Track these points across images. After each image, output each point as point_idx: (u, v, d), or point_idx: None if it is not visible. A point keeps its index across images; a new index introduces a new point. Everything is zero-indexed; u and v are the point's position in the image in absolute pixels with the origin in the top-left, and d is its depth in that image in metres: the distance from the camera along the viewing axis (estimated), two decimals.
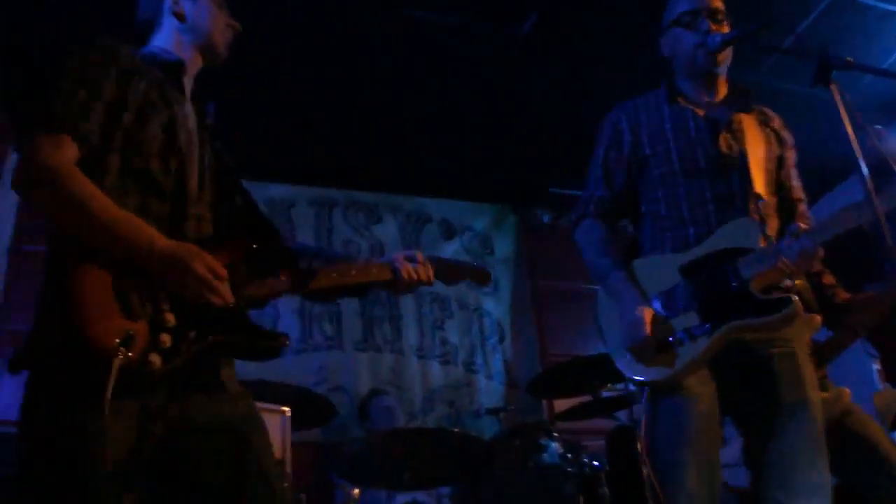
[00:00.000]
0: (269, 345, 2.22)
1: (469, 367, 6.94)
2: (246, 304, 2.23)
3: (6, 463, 3.77)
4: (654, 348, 2.63)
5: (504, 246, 7.66)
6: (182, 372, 2.01)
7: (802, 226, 2.66)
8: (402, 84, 5.84)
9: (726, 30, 2.89)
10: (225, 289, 2.11)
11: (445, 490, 4.83)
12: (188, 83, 2.48)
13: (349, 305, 6.67)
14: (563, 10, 5.16)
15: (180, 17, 2.48)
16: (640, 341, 2.64)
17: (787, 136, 3.01)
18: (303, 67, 5.57)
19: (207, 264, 2.07)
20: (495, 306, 7.34)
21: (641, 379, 2.68)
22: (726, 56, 2.90)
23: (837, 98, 2.33)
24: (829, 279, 3.20)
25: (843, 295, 3.18)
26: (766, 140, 2.90)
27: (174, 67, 2.42)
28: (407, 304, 6.91)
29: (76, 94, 2.10)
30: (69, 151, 2.04)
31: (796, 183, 2.99)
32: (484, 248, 7.51)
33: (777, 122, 3.02)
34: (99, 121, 2.11)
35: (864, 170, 2.24)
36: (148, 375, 1.93)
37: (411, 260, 2.61)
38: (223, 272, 2.11)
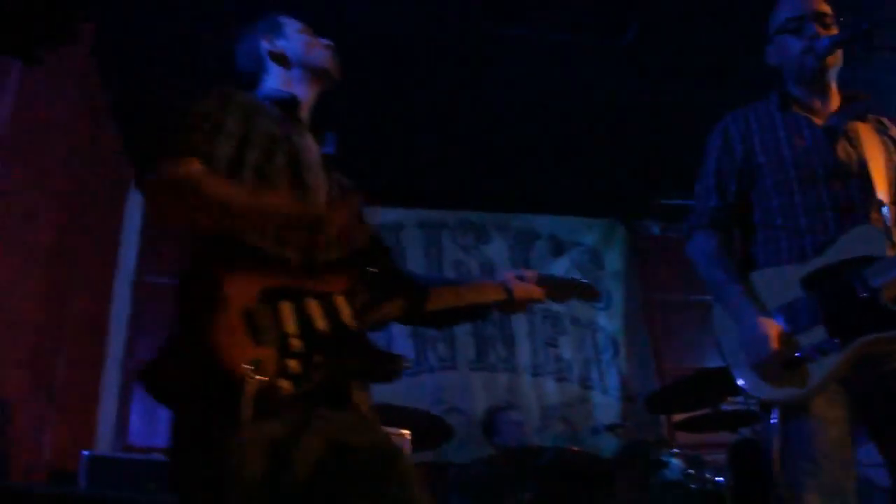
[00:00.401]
0: (390, 368, 2.24)
1: (584, 383, 6.89)
2: (367, 328, 2.26)
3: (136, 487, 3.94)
4: (782, 366, 2.51)
5: (614, 260, 7.57)
6: (314, 396, 2.05)
7: None
8: (505, 102, 5.85)
9: (834, 32, 2.78)
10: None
11: None
12: (305, 116, 2.56)
13: (461, 326, 6.69)
14: (664, 18, 5.09)
15: (280, 57, 2.58)
16: (765, 359, 2.52)
17: None
18: (407, 90, 5.63)
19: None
20: (608, 321, 7.26)
21: (770, 399, 2.56)
22: (836, 60, 2.79)
23: None
24: None
25: None
26: (884, 149, 2.77)
27: (289, 103, 2.50)
28: (519, 322, 6.92)
29: (200, 127, 2.19)
30: (198, 168, 2.12)
31: None
32: (594, 263, 7.44)
33: (895, 131, 2.87)
34: (225, 153, 2.19)
35: None
36: (278, 400, 1.96)
37: (522, 278, 2.63)
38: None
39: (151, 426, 5.91)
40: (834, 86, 2.87)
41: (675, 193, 7.08)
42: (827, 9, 2.83)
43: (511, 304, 2.60)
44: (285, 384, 1.97)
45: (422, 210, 7.17)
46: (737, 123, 2.92)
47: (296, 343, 2.03)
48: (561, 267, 7.23)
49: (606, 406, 6.81)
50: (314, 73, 2.60)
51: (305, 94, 2.58)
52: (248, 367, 1.89)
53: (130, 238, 6.33)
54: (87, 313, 5.42)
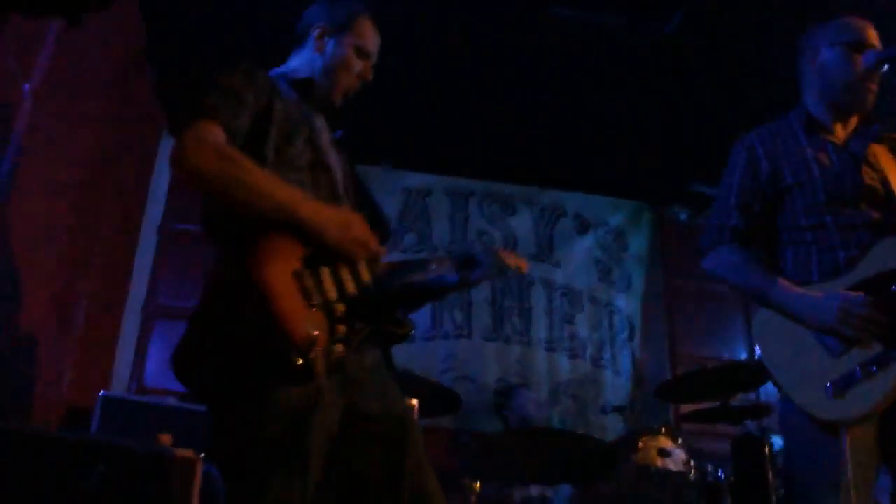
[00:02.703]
0: (402, 332, 2.35)
1: (597, 362, 6.88)
2: (385, 295, 2.36)
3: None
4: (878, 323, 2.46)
5: (639, 243, 7.51)
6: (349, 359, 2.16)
7: None
8: (543, 80, 5.83)
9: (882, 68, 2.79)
10: (378, 249, 2.33)
11: (566, 488, 4.84)
12: (317, 100, 2.62)
13: (480, 295, 6.75)
14: (708, 8, 5.06)
15: (320, 51, 2.64)
16: (858, 314, 2.47)
17: None
18: (445, 60, 5.62)
19: (365, 225, 2.30)
20: (627, 303, 7.24)
21: (831, 419, 2.46)
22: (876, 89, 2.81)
23: None
24: None
25: None
26: None
27: (304, 85, 2.57)
28: (538, 296, 6.93)
29: (226, 98, 2.24)
30: (220, 134, 2.18)
31: None
32: (618, 244, 7.38)
33: None
34: (244, 126, 2.26)
35: None
36: (333, 363, 2.06)
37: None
38: (375, 241, 2.33)
39: (167, 370, 5.99)
40: None
41: (705, 182, 7.05)
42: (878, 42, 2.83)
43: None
44: (339, 348, 2.09)
45: (450, 177, 7.15)
46: (761, 142, 2.92)
47: (340, 308, 2.14)
48: (584, 245, 7.23)
49: (617, 387, 6.80)
50: (320, 85, 2.62)
51: (319, 84, 2.63)
52: (313, 332, 1.99)
53: (160, 183, 6.39)
54: (113, 255, 5.51)
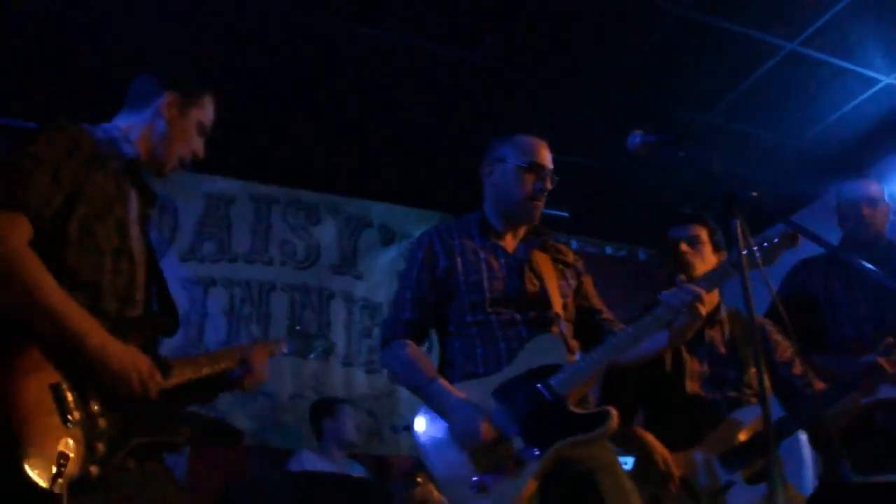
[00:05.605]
0: (175, 441, 2.31)
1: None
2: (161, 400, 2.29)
3: None
4: (497, 452, 2.63)
5: None
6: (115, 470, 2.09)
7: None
8: (351, 90, 5.76)
9: (549, 186, 3.08)
10: (154, 389, 2.22)
11: None
12: (143, 171, 2.56)
13: (278, 308, 6.64)
14: (514, 40, 5.20)
15: (164, 118, 2.55)
16: (480, 447, 2.64)
17: (580, 264, 3.26)
18: (250, 64, 5.46)
19: (146, 374, 2.19)
20: None
21: None
22: None
23: (740, 233, 2.34)
24: (799, 368, 3.38)
25: (818, 385, 3.31)
26: (560, 275, 3.12)
27: (131, 164, 2.48)
28: (337, 309, 6.87)
29: (38, 177, 2.12)
30: (24, 231, 2.07)
31: (598, 302, 3.22)
32: None
33: (570, 257, 3.25)
34: (56, 207, 2.15)
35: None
36: (88, 485, 1.96)
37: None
38: (159, 380, 2.24)
39: None
40: None
41: None
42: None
43: (248, 375, 2.71)
44: (94, 469, 1.99)
45: (254, 183, 6.92)
46: (440, 239, 3.13)
47: (101, 423, 2.06)
48: (388, 257, 7.22)
49: (413, 401, 6.70)
50: (157, 157, 2.56)
51: (146, 158, 2.54)
52: (62, 454, 1.89)
53: None
54: None
